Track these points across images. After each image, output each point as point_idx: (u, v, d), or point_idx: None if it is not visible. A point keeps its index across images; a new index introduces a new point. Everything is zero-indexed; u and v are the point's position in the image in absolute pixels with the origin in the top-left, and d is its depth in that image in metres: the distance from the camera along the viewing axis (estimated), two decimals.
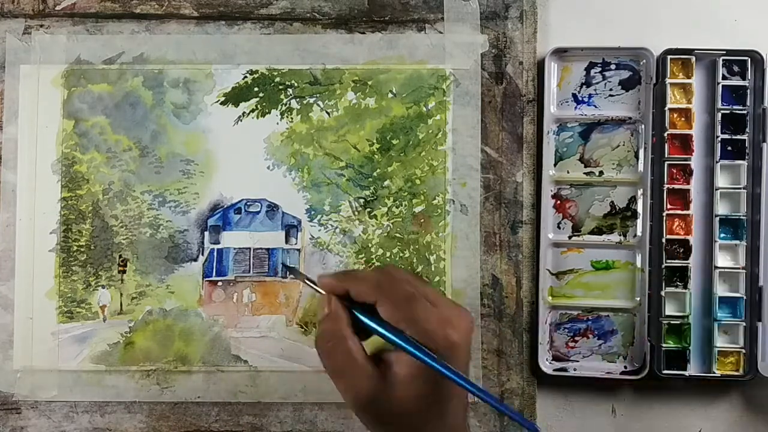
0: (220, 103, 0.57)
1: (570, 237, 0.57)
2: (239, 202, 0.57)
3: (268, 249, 0.57)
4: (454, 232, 0.56)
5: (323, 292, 0.41)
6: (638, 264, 0.56)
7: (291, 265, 0.55)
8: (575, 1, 0.58)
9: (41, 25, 0.57)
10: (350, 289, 0.40)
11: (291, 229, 0.57)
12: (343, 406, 0.55)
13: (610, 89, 0.57)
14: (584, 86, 0.57)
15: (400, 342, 0.38)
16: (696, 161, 0.56)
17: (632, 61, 0.57)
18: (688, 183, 0.56)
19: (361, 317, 0.40)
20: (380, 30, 0.57)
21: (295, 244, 0.57)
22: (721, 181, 0.56)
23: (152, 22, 0.57)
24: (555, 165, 0.57)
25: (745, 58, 0.55)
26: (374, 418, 0.39)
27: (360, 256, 0.57)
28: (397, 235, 0.57)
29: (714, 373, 0.55)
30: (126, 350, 0.56)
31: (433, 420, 0.39)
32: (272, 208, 0.57)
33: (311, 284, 0.43)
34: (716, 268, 0.55)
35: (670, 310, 0.55)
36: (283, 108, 0.57)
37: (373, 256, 0.57)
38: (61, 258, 0.56)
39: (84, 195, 0.57)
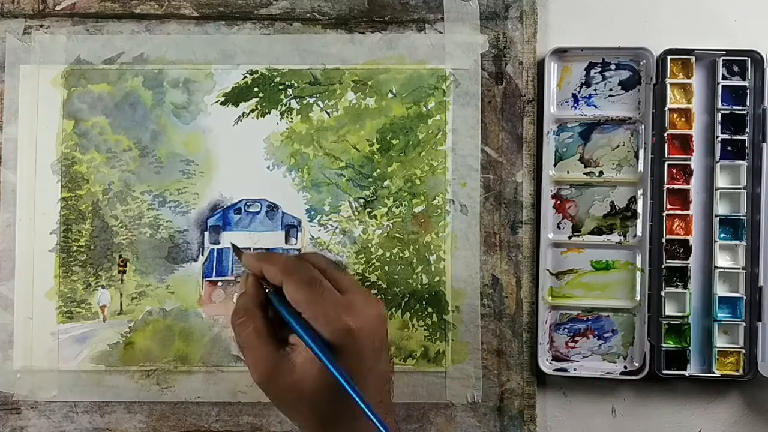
0: (220, 103, 0.57)
1: (570, 237, 0.57)
2: (239, 202, 0.57)
3: (268, 249, 0.57)
4: (454, 232, 0.56)
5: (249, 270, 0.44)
6: (638, 264, 0.56)
7: (234, 244, 0.53)
8: (575, 1, 0.58)
9: (41, 25, 0.57)
10: (263, 270, 0.42)
11: (291, 229, 0.57)
12: None
13: (610, 89, 0.57)
14: (584, 86, 0.57)
15: (293, 324, 0.40)
16: (696, 161, 0.56)
17: (632, 61, 0.57)
18: (688, 183, 0.56)
19: (271, 298, 0.42)
20: (380, 30, 0.57)
21: (295, 244, 0.57)
22: (721, 181, 0.56)
23: (152, 22, 0.57)
24: (555, 165, 0.57)
25: (745, 58, 0.55)
26: (274, 395, 0.41)
27: (360, 256, 0.57)
28: (397, 235, 0.57)
29: (714, 373, 0.55)
30: (126, 350, 0.56)
31: (334, 403, 0.40)
32: (272, 208, 0.57)
33: (240, 260, 0.46)
34: (716, 268, 0.55)
35: (670, 310, 0.55)
36: (283, 108, 0.57)
37: (373, 256, 0.57)
38: (61, 258, 0.57)
39: (84, 195, 0.57)
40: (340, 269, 0.44)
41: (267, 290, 0.42)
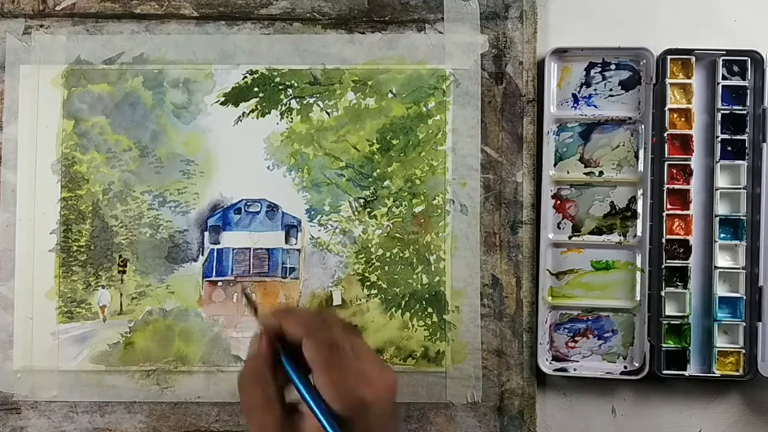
0: (220, 103, 0.57)
1: (570, 237, 0.57)
2: (239, 202, 0.57)
3: (268, 249, 0.57)
4: (454, 232, 0.56)
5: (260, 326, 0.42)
6: (638, 264, 0.56)
7: (248, 293, 0.53)
8: (575, 1, 0.58)
9: (41, 25, 0.57)
10: (282, 324, 0.40)
11: (291, 229, 0.57)
12: None
13: (610, 89, 0.57)
14: (584, 86, 0.57)
15: (304, 393, 0.38)
16: (696, 161, 0.56)
17: (632, 61, 0.57)
18: (688, 183, 0.56)
19: (284, 360, 0.40)
20: (380, 30, 0.57)
21: (295, 244, 0.57)
22: (721, 181, 0.56)
23: (152, 22, 0.57)
24: (555, 165, 0.57)
25: (745, 58, 0.55)
26: None
27: (360, 256, 0.57)
28: (397, 235, 0.57)
29: (714, 373, 0.55)
30: (126, 350, 0.56)
31: None
32: (272, 208, 0.57)
33: (254, 315, 0.43)
34: (716, 268, 0.55)
35: (670, 310, 0.55)
36: (283, 108, 0.57)
37: (373, 256, 0.57)
38: (61, 258, 0.57)
39: (84, 195, 0.57)
40: (356, 333, 0.42)
41: (281, 355, 0.40)
